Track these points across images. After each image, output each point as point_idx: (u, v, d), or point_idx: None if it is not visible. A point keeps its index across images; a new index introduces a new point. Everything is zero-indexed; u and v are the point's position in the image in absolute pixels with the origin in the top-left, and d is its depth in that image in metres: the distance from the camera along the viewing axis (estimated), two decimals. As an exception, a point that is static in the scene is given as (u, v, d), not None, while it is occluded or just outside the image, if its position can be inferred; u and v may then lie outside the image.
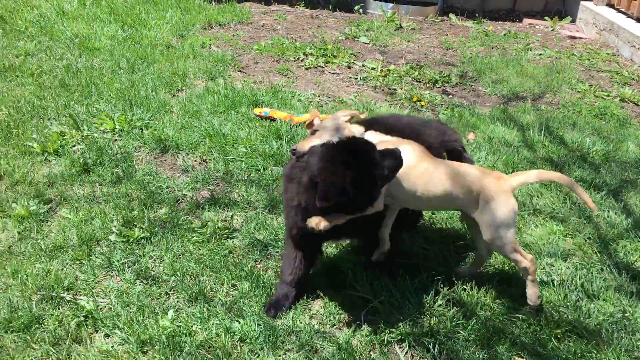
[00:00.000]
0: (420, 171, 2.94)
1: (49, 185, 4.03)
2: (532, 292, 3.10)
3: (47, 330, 2.86)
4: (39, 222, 3.64)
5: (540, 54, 7.65)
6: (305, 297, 3.18)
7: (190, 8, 7.96)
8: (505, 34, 8.41)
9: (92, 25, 7.02)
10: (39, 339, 2.81)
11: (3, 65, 5.75)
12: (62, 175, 4.11)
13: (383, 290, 3.19)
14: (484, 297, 3.22)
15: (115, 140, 4.68)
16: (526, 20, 9.26)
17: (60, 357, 2.73)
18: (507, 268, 3.45)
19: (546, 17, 9.28)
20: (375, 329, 2.99)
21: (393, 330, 2.98)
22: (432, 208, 3.55)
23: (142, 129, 4.79)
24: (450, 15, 9.06)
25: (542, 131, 5.26)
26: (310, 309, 3.14)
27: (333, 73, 6.48)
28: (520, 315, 3.10)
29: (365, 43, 7.45)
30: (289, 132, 4.85)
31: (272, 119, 5.13)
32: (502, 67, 6.99)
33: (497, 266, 3.48)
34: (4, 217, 3.67)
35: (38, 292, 3.08)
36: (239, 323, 2.96)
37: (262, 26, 7.89)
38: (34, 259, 3.32)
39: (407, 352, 2.93)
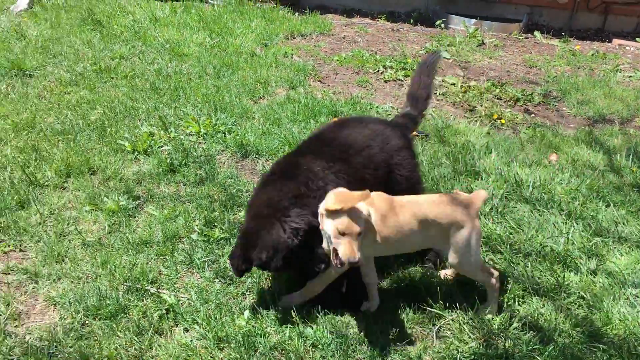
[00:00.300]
0: (390, 225, 2.92)
1: (137, 183, 4.24)
2: (492, 308, 3.15)
3: (132, 320, 3.01)
4: (127, 216, 3.84)
5: (631, 76, 7.35)
6: (377, 308, 3.19)
7: (274, 18, 8.17)
8: (593, 54, 8.13)
9: (182, 32, 7.33)
10: (124, 328, 2.96)
11: (100, 67, 6.11)
12: (150, 174, 4.32)
13: (456, 308, 3.16)
14: (563, 323, 3.13)
15: (200, 142, 4.86)
16: (616, 41, 8.91)
17: (143, 347, 2.87)
18: (588, 296, 3.34)
19: (637, 39, 8.90)
20: (448, 346, 2.97)
21: (465, 349, 2.95)
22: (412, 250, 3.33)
23: (225, 134, 4.96)
24: (535, 32, 8.85)
25: (631, 156, 5.05)
26: (381, 321, 3.15)
27: (412, 87, 6.46)
28: (601, 345, 2.99)
29: (446, 58, 7.40)
30: (366, 144, 4.89)
31: (350, 130, 5.19)
32: (588, 87, 6.77)
33: (578, 293, 3.37)
34: (96, 210, 3.89)
35: (124, 283, 3.24)
36: (312, 329, 3.01)
37: (343, 38, 7.99)
38: (122, 252, 3.50)
39: (479, 372, 2.89)
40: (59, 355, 2.79)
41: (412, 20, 8.96)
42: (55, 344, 2.85)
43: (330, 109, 5.51)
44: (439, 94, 6.28)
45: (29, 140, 4.65)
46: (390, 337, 3.03)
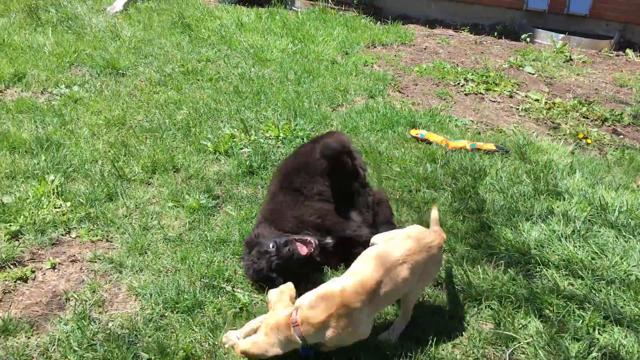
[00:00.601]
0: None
1: (217, 182, 4.37)
2: (399, 329, 3.04)
3: (207, 315, 3.11)
4: (206, 215, 3.97)
5: None
6: (448, 327, 3.15)
7: (356, 27, 8.23)
8: (690, 75, 7.69)
9: (266, 37, 7.52)
10: (199, 323, 3.06)
11: (187, 69, 6.35)
12: (230, 175, 4.45)
13: (531, 331, 3.07)
14: (646, 357, 2.97)
15: (278, 147, 4.96)
16: None
17: (217, 343, 2.95)
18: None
19: None
20: (521, 370, 2.89)
21: (540, 375, 2.86)
22: None
23: (303, 139, 5.04)
24: (627, 50, 8.45)
25: None
26: (454, 338, 3.10)
27: (493, 101, 6.34)
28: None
29: (530, 73, 7.20)
30: (443, 157, 4.84)
31: (428, 142, 5.15)
32: (684, 110, 6.40)
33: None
34: (178, 207, 4.05)
35: (201, 280, 3.35)
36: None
37: (425, 49, 7.93)
38: (200, 249, 3.62)
39: (553, 400, 2.79)
40: (137, 344, 2.92)
41: (496, 33, 8.77)
42: (135, 332, 2.98)
43: (408, 119, 5.50)
44: (521, 109, 6.12)
45: (119, 136, 4.90)
46: (462, 355, 2.98)
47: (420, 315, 3.15)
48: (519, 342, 3.04)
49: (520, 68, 7.36)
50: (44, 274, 3.41)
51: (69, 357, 2.83)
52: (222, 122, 5.28)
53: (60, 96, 5.61)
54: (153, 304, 3.17)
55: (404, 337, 3.04)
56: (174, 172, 4.47)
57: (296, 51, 7.15)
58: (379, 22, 8.66)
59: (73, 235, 3.73)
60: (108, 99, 5.57)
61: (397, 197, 4.34)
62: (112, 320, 3.08)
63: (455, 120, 5.70)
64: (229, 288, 3.31)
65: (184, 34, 7.52)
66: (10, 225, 3.66)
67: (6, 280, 3.31)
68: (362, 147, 4.92)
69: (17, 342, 2.92)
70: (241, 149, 4.83)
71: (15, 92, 5.70)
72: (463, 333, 3.11)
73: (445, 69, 7.05)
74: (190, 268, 3.44)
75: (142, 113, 5.33)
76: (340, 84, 6.28)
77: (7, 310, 3.10)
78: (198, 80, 6.16)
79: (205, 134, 5.00)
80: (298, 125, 5.22)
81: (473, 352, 3.00)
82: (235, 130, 5.07)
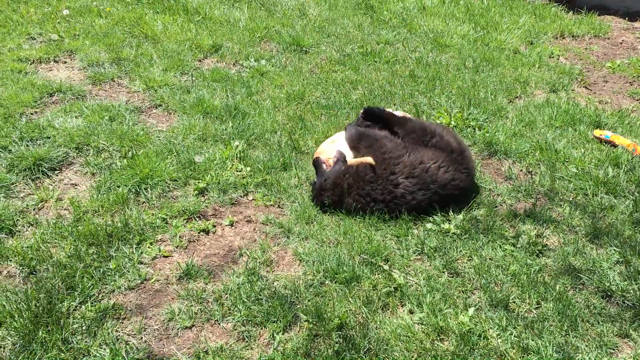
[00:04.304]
0: None
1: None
2: None
3: (363, 289, 3.25)
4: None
5: None
6: None
7: (545, 15, 7.78)
8: None
9: (447, 22, 7.42)
10: (355, 295, 3.21)
11: (366, 50, 6.51)
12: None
13: None
14: None
15: (448, 135, 4.93)
16: None
17: (369, 317, 3.08)
18: None
19: None
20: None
21: None
22: None
23: (475, 129, 4.95)
24: None
25: None
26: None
27: (698, 106, 5.67)
28: None
29: None
30: (629, 162, 4.47)
31: (613, 145, 4.78)
32: None
33: None
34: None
35: (361, 255, 3.50)
36: (535, 343, 2.92)
37: (621, 43, 7.28)
38: (362, 226, 3.76)
39: None
40: (297, 305, 3.14)
41: None
42: (296, 294, 3.21)
43: (593, 118, 5.13)
44: None
45: (298, 110, 5.21)
46: None
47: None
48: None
49: None
50: (223, 229, 3.78)
51: (238, 306, 3.14)
52: (394, 105, 5.36)
53: (249, 69, 6.08)
54: (315, 271, 3.37)
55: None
56: (344, 149, 4.66)
57: (477, 38, 6.97)
58: (571, 12, 8.10)
59: (250, 197, 4.07)
60: (290, 74, 5.92)
61: (571, 199, 4.12)
62: (277, 280, 3.34)
63: (649, 123, 5.21)
64: (386, 267, 3.41)
65: (366, 15, 7.69)
66: (199, 182, 4.10)
67: (192, 230, 3.73)
68: (537, 142, 4.71)
69: (196, 286, 3.29)
70: (411, 133, 4.88)
71: (212, 62, 6.27)
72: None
73: (642, 67, 6.43)
74: (351, 242, 3.59)
75: (320, 90, 5.58)
76: (521, 75, 6.03)
77: (191, 257, 3.50)
78: (375, 62, 6.29)
79: (378, 115, 5.12)
80: (471, 115, 5.13)
81: None
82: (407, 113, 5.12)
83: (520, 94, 5.71)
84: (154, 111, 5.22)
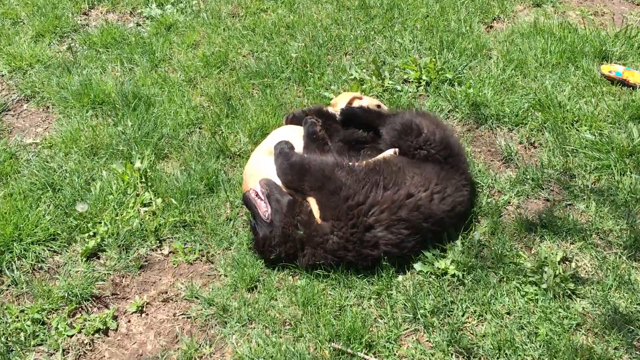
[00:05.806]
0: None
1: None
2: None
3: None
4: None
5: None
6: None
7: None
8: None
9: None
10: None
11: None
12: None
13: None
14: None
15: (421, 95, 3.78)
16: None
17: None
18: None
19: None
20: None
21: None
22: None
23: (453, 84, 3.80)
24: None
25: None
26: None
27: None
28: None
29: None
30: (656, 112, 3.45)
31: (628, 84, 3.73)
32: None
33: None
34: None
35: (331, 343, 2.47)
36: None
37: None
38: (328, 285, 2.71)
39: None
40: None
41: None
42: None
43: (596, 47, 4.01)
44: None
45: (221, 83, 3.93)
46: None
47: None
48: None
49: None
50: (129, 321, 2.68)
51: None
52: (346, 56, 4.12)
53: (151, 20, 4.63)
54: None
55: None
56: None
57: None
58: None
59: (165, 250, 2.95)
60: (206, 24, 4.51)
61: (592, 184, 3.11)
62: None
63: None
64: None
65: None
66: (89, 239, 2.89)
67: (82, 333, 2.61)
68: (535, 95, 3.62)
69: None
70: (374, 102, 3.71)
71: (101, 13, 4.78)
72: None
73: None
74: (315, 321, 2.55)
75: (248, 46, 4.25)
76: (496, -14, 4.77)
77: None
78: (313, -11, 4.90)
79: (326, 78, 3.88)
80: (446, 63, 3.94)
81: None
82: (365, 73, 3.90)
83: (499, 13, 4.52)
84: (25, 107, 3.86)
